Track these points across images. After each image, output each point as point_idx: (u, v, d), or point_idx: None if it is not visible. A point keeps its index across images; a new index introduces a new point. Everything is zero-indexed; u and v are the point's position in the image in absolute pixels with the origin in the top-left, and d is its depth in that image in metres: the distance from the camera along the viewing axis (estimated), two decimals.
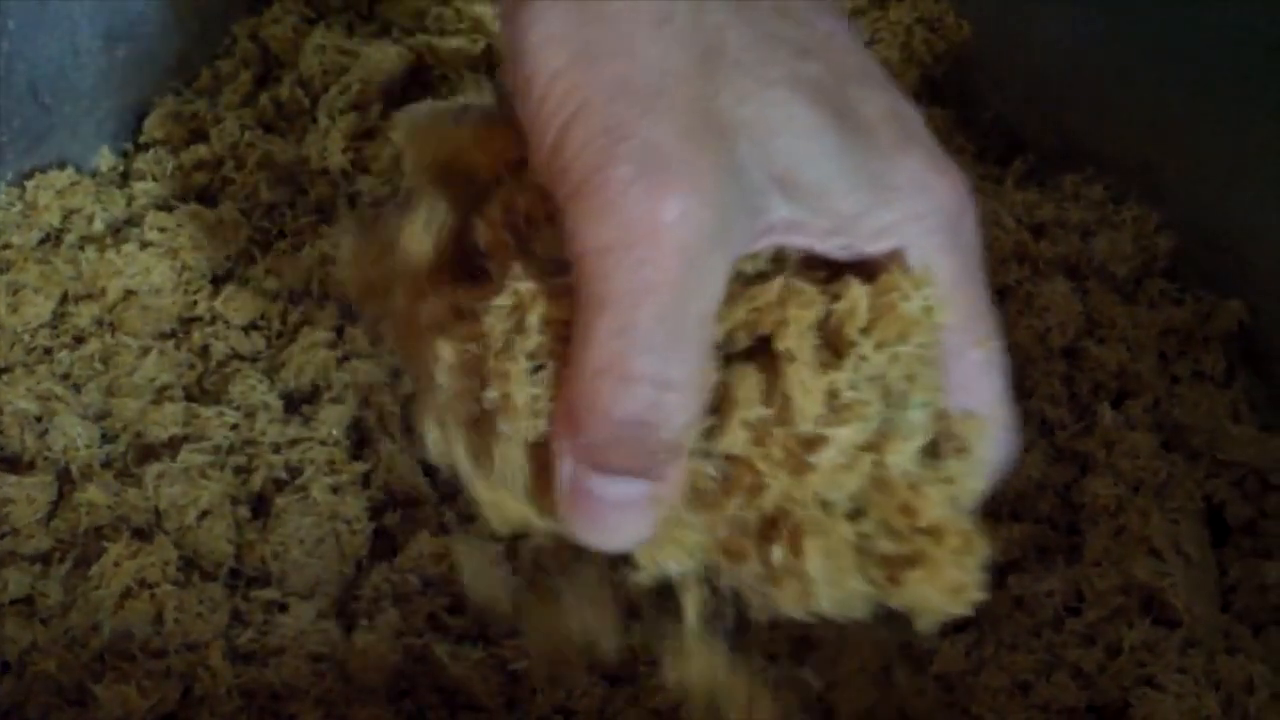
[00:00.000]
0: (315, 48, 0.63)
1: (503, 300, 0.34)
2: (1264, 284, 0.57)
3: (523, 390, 0.34)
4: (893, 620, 0.49)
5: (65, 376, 0.56)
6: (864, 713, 0.49)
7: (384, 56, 0.62)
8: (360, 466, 0.54)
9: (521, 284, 0.34)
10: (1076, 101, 0.62)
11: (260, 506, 0.54)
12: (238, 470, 0.54)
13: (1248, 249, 0.58)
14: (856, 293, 0.34)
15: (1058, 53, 0.62)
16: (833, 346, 0.34)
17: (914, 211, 0.34)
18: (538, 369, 0.34)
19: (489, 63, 0.64)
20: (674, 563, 0.37)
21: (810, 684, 0.49)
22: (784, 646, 0.50)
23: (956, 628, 0.52)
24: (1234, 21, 0.56)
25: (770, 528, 0.35)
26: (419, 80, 0.64)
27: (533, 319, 0.34)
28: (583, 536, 0.35)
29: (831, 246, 0.34)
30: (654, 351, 0.32)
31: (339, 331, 0.58)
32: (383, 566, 0.53)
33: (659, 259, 0.31)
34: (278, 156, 0.62)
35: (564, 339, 0.33)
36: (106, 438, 0.55)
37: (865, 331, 0.34)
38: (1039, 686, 0.49)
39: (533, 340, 0.34)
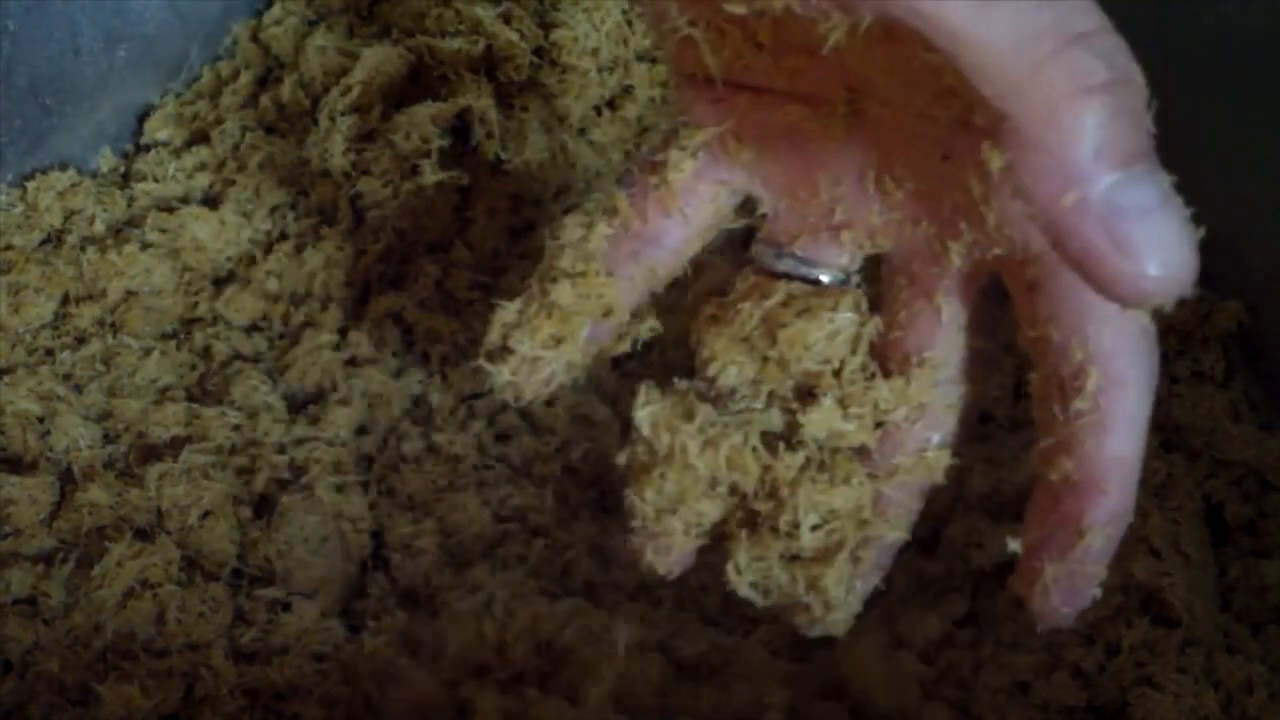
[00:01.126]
0: (316, 49, 0.63)
1: None
2: (1262, 284, 0.58)
3: None
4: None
5: (67, 377, 0.56)
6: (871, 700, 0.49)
7: (384, 58, 0.62)
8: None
9: None
10: None
11: (263, 507, 0.54)
12: (240, 471, 0.54)
13: (1246, 249, 0.58)
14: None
15: None
16: None
17: None
18: None
19: (489, 63, 0.64)
20: None
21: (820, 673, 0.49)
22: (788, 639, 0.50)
23: (957, 624, 0.52)
24: (1233, 22, 0.56)
25: None
26: (419, 82, 0.64)
27: None
28: (1132, 274, 0.32)
29: None
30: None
31: (342, 333, 0.58)
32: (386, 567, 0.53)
33: None
34: (279, 158, 0.62)
35: None
36: (108, 438, 0.55)
37: None
38: (1038, 686, 0.49)
39: None
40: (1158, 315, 0.58)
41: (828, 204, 0.40)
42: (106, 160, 0.64)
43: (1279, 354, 0.57)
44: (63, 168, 0.62)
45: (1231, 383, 0.58)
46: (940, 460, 0.41)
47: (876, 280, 0.42)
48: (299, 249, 0.60)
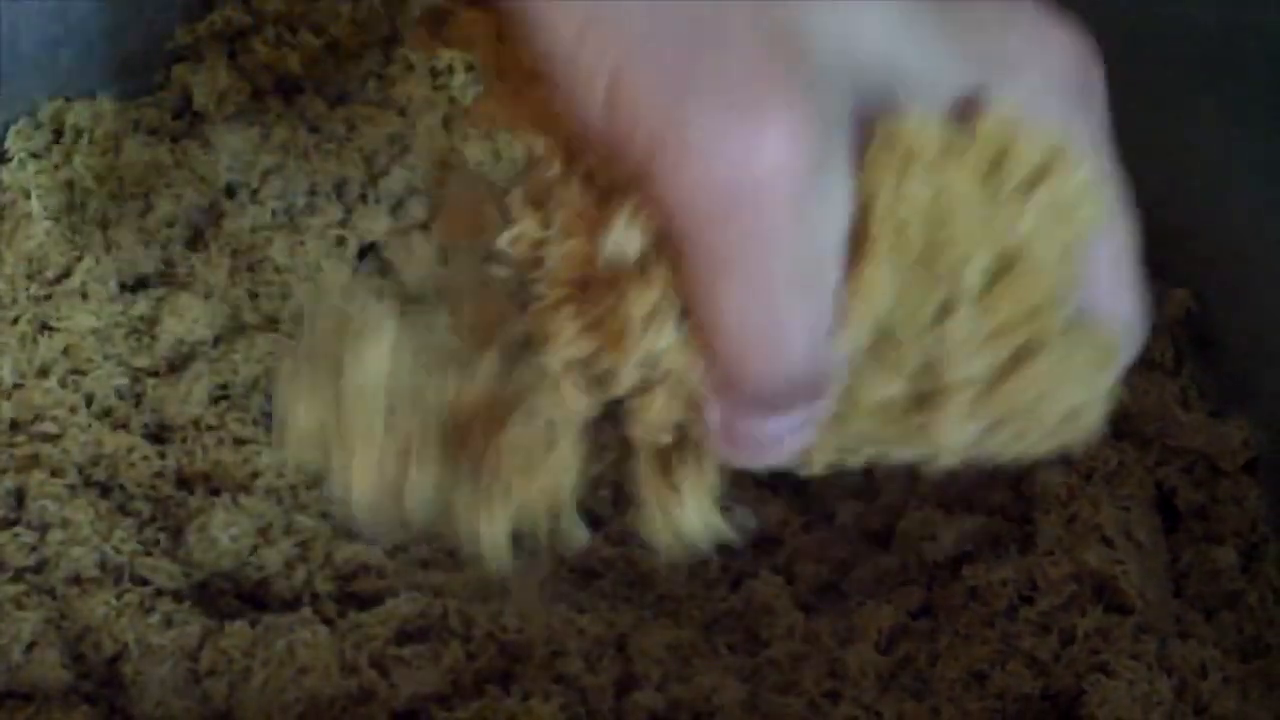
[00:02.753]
0: None
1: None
2: (1211, 272, 0.58)
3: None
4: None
5: None
6: None
7: None
8: None
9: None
10: None
11: None
12: None
13: (1194, 238, 0.58)
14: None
15: None
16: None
17: (1035, 85, 0.31)
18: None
19: None
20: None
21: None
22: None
23: (912, 615, 0.52)
24: (1180, 15, 0.56)
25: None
26: None
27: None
28: (742, 464, 0.32)
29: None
30: (801, 299, 0.28)
31: None
32: None
33: (775, 207, 0.27)
34: None
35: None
36: None
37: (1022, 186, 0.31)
38: (995, 676, 0.49)
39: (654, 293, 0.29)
40: None
41: None
42: None
43: (1227, 341, 0.58)
44: None
45: (1181, 370, 0.58)
46: None
47: None
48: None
